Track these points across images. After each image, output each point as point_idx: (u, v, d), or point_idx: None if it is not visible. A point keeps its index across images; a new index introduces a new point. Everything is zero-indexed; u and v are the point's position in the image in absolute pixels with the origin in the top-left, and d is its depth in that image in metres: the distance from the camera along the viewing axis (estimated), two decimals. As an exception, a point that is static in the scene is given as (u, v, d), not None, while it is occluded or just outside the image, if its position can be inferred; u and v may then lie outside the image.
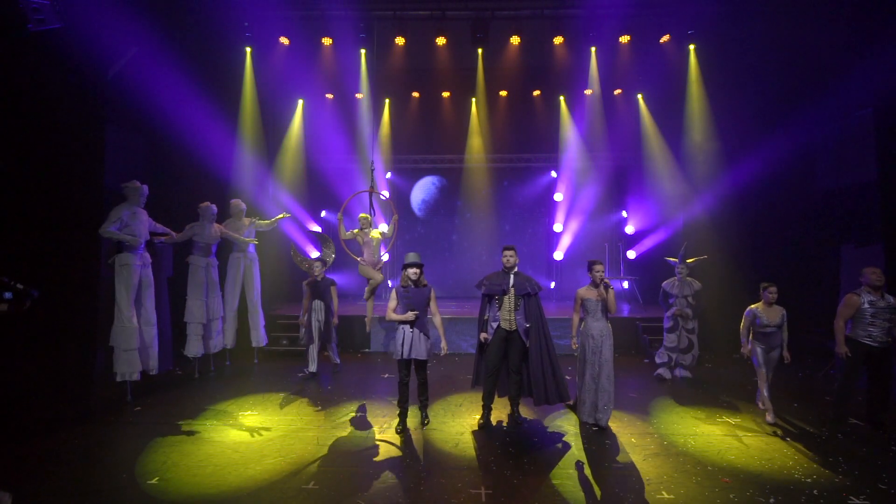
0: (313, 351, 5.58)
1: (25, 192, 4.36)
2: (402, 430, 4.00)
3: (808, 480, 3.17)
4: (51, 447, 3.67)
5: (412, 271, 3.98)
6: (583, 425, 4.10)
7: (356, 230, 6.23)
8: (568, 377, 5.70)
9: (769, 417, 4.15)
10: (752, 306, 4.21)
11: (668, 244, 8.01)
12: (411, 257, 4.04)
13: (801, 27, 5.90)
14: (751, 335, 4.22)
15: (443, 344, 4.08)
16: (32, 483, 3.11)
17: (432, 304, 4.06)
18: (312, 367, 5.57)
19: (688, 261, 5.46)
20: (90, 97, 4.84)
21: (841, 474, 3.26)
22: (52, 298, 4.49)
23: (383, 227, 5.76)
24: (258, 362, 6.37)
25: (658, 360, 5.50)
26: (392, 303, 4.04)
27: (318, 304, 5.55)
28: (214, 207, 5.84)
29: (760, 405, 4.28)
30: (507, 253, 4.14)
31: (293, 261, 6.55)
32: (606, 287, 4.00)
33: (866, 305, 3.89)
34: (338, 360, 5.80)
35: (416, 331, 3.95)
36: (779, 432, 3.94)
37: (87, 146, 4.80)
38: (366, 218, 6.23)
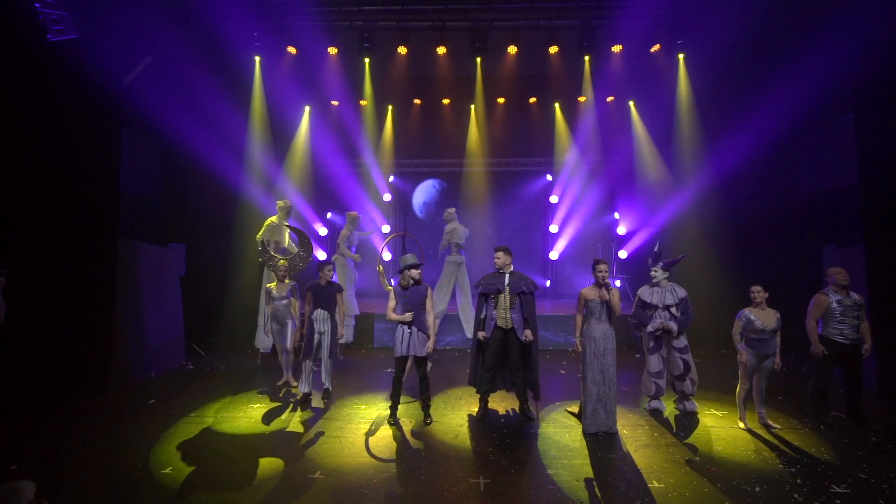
0: (308, 367, 4.68)
1: (44, 196, 4.54)
2: (394, 423, 4.14)
3: (793, 470, 3.28)
4: (70, 439, 3.80)
5: (416, 272, 4.12)
6: (585, 426, 3.93)
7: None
8: (563, 371, 5.90)
9: (742, 424, 4.04)
10: (745, 309, 3.98)
11: (656, 244, 8.21)
12: (410, 259, 4.17)
13: (785, 36, 6.13)
14: (743, 340, 3.99)
15: (430, 343, 4.13)
16: (53, 473, 3.22)
17: (427, 303, 4.15)
18: (305, 387, 4.68)
19: (663, 261, 4.41)
20: (106, 104, 5.01)
21: (823, 464, 3.36)
22: (70, 297, 4.68)
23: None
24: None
25: (646, 392, 4.45)
26: (391, 302, 4.18)
27: (321, 314, 4.72)
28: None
29: (742, 407, 4.08)
30: (498, 254, 4.24)
31: (262, 259, 5.76)
32: (608, 288, 3.89)
33: (834, 304, 3.99)
34: (328, 385, 4.82)
35: (414, 329, 4.08)
36: (760, 432, 3.95)
37: (103, 151, 4.97)
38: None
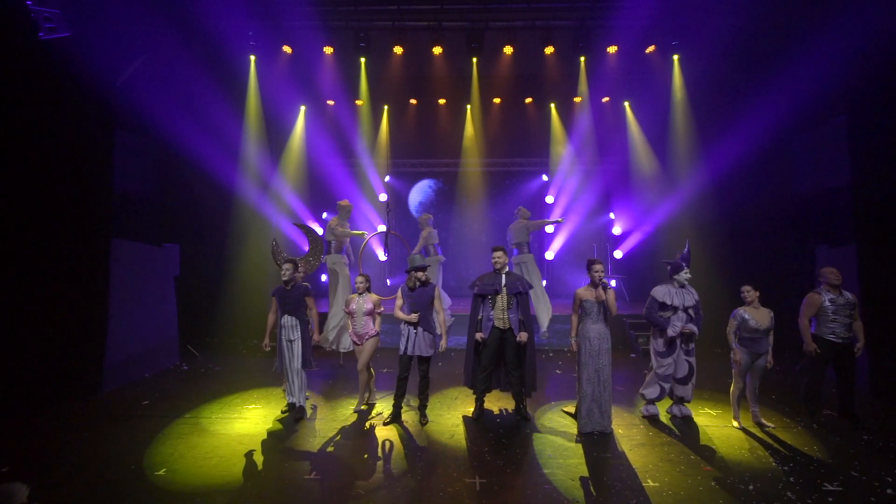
0: (299, 378, 4.33)
1: (37, 195, 4.50)
2: (391, 421, 4.15)
3: (786, 468, 3.32)
4: (62, 440, 3.78)
5: (422, 274, 4.16)
6: (580, 426, 3.95)
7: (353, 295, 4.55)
8: (558, 371, 5.92)
9: (736, 423, 4.06)
10: (739, 308, 4.02)
11: (652, 244, 8.28)
12: (417, 260, 4.21)
13: (778, 38, 6.19)
14: (737, 339, 4.02)
15: (442, 342, 4.17)
16: (45, 475, 3.20)
17: (436, 303, 4.20)
18: (290, 398, 4.38)
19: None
20: (100, 103, 4.98)
21: (816, 462, 3.40)
22: (63, 298, 4.64)
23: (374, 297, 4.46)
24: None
25: (648, 395, 4.28)
26: (399, 301, 4.25)
27: (289, 321, 4.26)
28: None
29: (736, 406, 4.11)
30: (496, 254, 4.24)
31: (274, 259, 5.43)
32: (605, 288, 3.90)
33: (827, 303, 4.03)
34: (300, 402, 4.31)
35: (419, 329, 4.12)
36: (754, 431, 3.98)
37: (96, 150, 4.95)
38: (364, 280, 4.54)
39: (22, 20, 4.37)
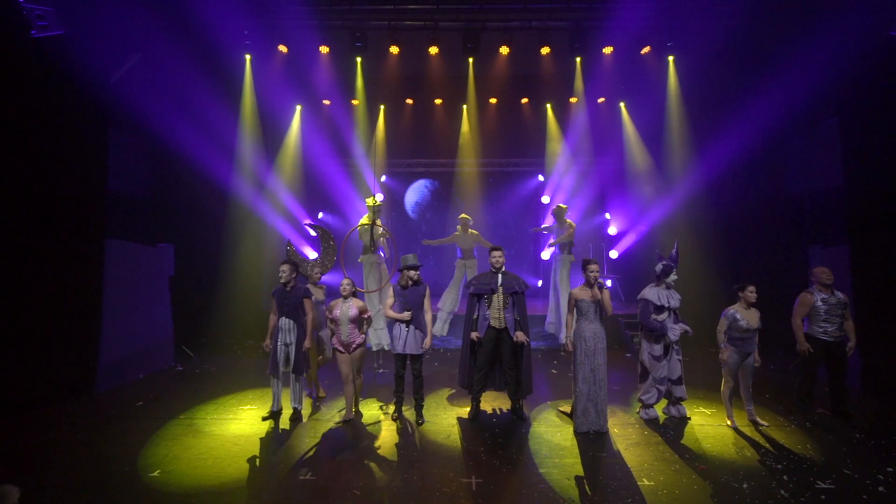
0: (277, 386, 4.21)
1: (30, 195, 4.46)
2: (398, 417, 4.18)
3: (779, 467, 3.34)
4: (55, 442, 3.75)
5: (414, 273, 4.16)
6: (576, 426, 3.95)
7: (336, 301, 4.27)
8: (554, 371, 5.94)
9: (730, 422, 4.07)
10: (731, 308, 4.02)
11: (647, 244, 8.32)
12: (410, 259, 4.20)
13: (772, 40, 6.25)
14: (726, 338, 4.03)
15: (427, 340, 4.15)
16: (38, 477, 3.18)
17: (426, 302, 4.20)
18: (276, 406, 4.22)
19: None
20: (93, 102, 4.95)
21: (809, 461, 3.43)
22: (57, 298, 4.61)
23: (359, 303, 4.20)
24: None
25: (647, 401, 4.20)
26: (390, 300, 4.23)
27: (286, 323, 4.13)
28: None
29: (728, 405, 4.12)
30: (496, 254, 4.27)
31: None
32: (600, 288, 3.93)
33: (819, 303, 4.06)
34: (298, 405, 4.23)
35: (411, 328, 4.11)
36: (745, 430, 3.98)
37: (90, 149, 4.92)
38: (350, 284, 4.20)
39: (14, 18, 4.33)
